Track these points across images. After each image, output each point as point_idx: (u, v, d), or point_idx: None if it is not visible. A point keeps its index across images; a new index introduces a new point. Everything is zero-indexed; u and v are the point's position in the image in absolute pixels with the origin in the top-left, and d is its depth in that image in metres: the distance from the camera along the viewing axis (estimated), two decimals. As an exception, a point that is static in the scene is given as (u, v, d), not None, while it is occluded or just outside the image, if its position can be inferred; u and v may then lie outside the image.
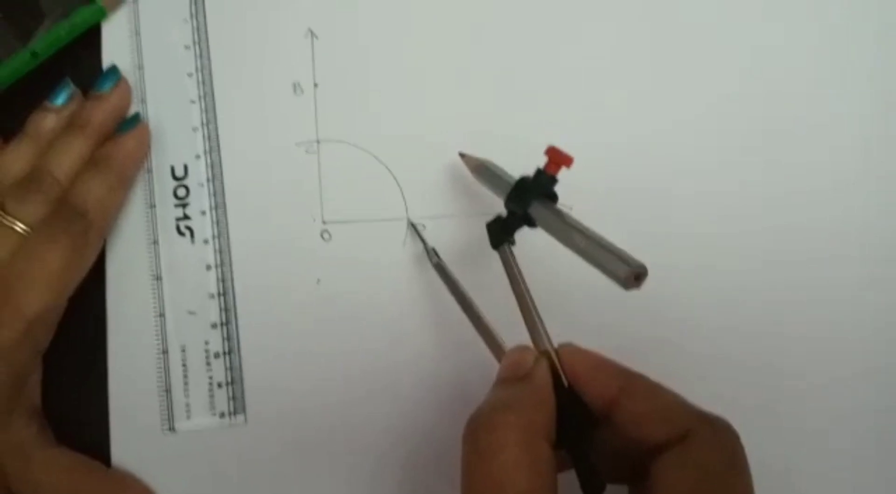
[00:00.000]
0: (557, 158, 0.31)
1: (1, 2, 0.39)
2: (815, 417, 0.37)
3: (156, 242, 0.38)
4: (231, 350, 0.37)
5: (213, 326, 0.37)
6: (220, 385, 0.37)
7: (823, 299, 0.38)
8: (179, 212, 0.38)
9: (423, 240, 0.37)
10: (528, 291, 0.31)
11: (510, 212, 0.32)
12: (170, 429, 0.36)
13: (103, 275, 0.37)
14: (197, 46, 0.39)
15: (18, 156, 0.36)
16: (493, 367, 0.31)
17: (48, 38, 0.38)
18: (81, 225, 0.34)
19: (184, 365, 0.37)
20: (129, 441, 0.36)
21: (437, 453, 0.36)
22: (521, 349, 0.30)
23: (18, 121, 0.37)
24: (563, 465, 0.27)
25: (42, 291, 0.33)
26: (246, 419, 0.36)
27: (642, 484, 0.26)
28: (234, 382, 0.37)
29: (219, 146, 0.39)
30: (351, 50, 0.39)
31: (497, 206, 0.33)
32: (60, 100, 0.37)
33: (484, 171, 0.35)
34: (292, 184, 0.38)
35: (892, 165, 0.39)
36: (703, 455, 0.26)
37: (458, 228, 0.38)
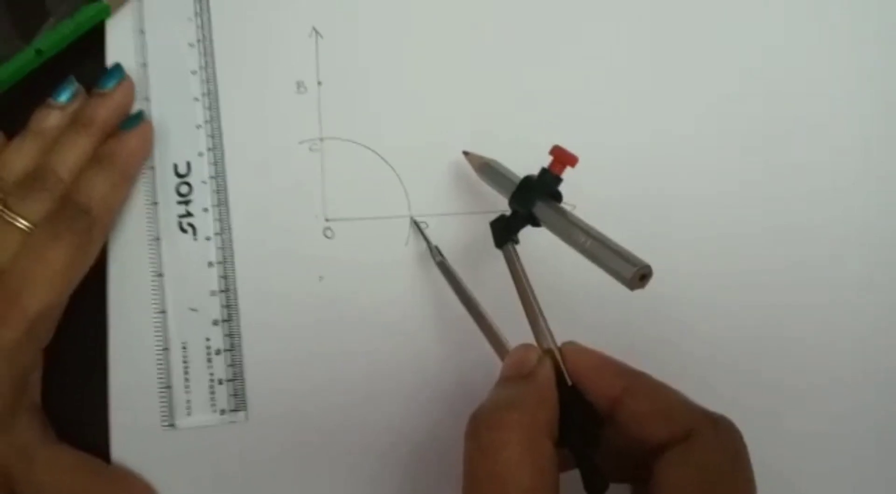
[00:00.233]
0: (562, 158, 0.31)
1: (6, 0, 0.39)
2: (816, 418, 0.38)
3: (158, 239, 0.38)
4: (232, 347, 0.37)
5: (215, 323, 0.37)
6: (221, 382, 0.36)
7: (824, 301, 0.38)
8: (182, 209, 0.38)
9: (425, 238, 0.37)
10: (531, 290, 0.31)
11: (514, 211, 0.32)
12: (170, 426, 0.36)
13: (105, 272, 0.37)
14: (201, 44, 0.39)
15: (22, 153, 0.36)
16: (495, 365, 0.31)
17: (52, 35, 0.38)
18: (85, 222, 0.34)
19: (185, 362, 0.37)
20: (129, 438, 0.36)
21: (439, 451, 0.36)
22: (525, 347, 0.30)
23: (22, 118, 0.37)
24: (566, 464, 0.27)
25: (45, 289, 0.33)
26: (247, 417, 0.36)
27: (645, 483, 0.26)
28: (236, 379, 0.37)
29: (222, 144, 0.39)
30: (355, 48, 0.40)
31: (500, 204, 0.33)
32: (64, 97, 0.37)
33: (488, 169, 0.35)
34: (295, 181, 0.38)
35: (892, 166, 0.40)
36: (706, 454, 0.26)
37: (462, 226, 0.38)
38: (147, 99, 0.39)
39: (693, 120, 0.40)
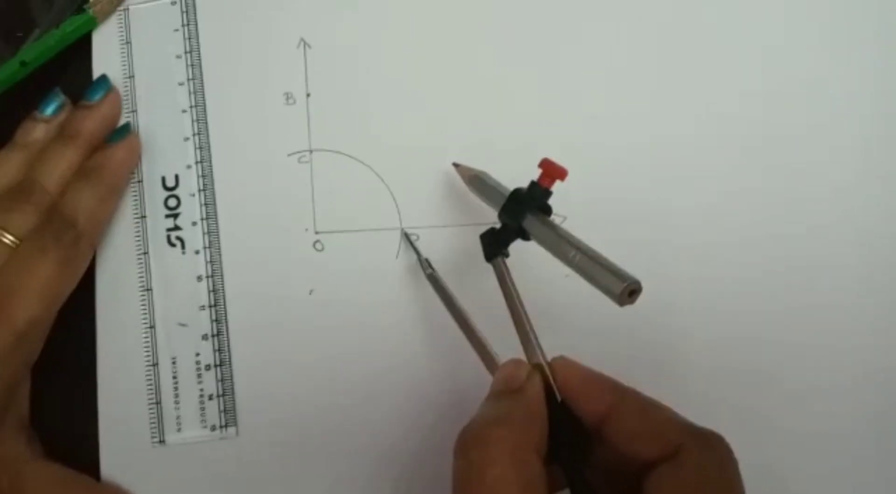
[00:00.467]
0: (552, 171, 0.31)
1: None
2: (816, 422, 0.37)
3: (146, 253, 0.37)
4: (222, 362, 0.36)
5: (204, 337, 0.37)
6: (211, 398, 0.36)
7: (824, 305, 0.38)
8: (170, 223, 0.38)
9: (416, 250, 0.37)
10: (521, 304, 0.31)
11: (504, 224, 0.32)
12: (160, 442, 0.36)
13: (93, 286, 0.37)
14: (188, 56, 0.39)
15: (8, 166, 0.36)
16: (486, 377, 0.31)
17: (38, 47, 0.38)
18: (71, 236, 0.34)
19: (174, 377, 0.36)
20: (118, 454, 0.36)
21: (430, 465, 0.36)
22: (515, 362, 0.30)
23: (8, 131, 0.37)
24: (557, 482, 0.27)
25: (32, 303, 0.33)
26: (237, 432, 0.36)
27: (635, 500, 0.26)
28: (226, 394, 0.36)
29: (210, 156, 0.38)
30: (344, 59, 0.39)
31: (492, 216, 0.33)
32: (50, 110, 0.37)
33: (478, 182, 0.35)
34: (285, 194, 0.38)
35: (892, 168, 0.39)
36: (695, 470, 0.26)
37: (452, 238, 0.38)
38: (134, 111, 0.39)
39: (690, 127, 0.39)
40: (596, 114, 0.39)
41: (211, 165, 0.38)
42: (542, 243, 0.30)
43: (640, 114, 0.39)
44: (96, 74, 0.39)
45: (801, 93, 0.40)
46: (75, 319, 0.36)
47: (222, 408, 0.36)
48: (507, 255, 0.32)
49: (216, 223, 0.38)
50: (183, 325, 0.37)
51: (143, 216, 0.38)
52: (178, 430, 0.36)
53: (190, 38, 0.39)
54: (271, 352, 0.37)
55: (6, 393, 0.33)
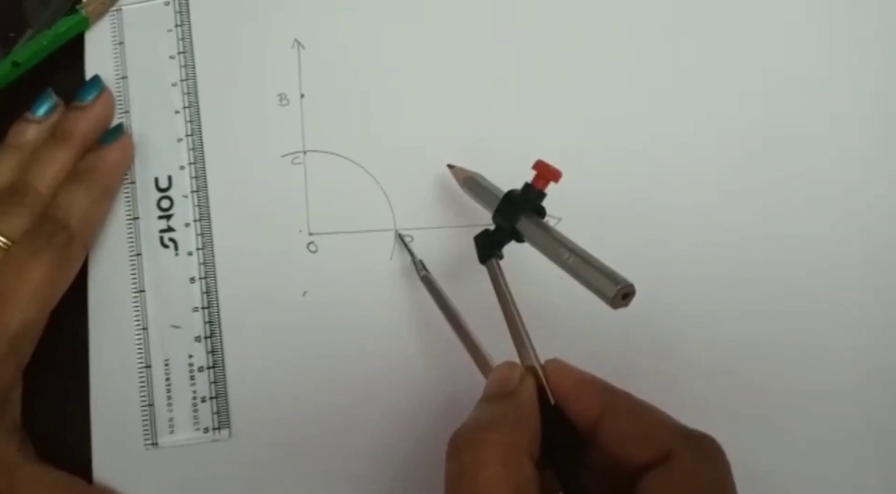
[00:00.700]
0: (545, 173, 0.31)
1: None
2: (816, 425, 0.37)
3: (139, 254, 0.37)
4: (215, 364, 0.36)
5: (198, 339, 0.37)
6: (204, 400, 0.36)
7: (824, 307, 0.38)
8: (163, 224, 0.38)
9: (410, 252, 0.37)
10: (515, 306, 0.31)
11: (498, 226, 0.32)
12: (153, 444, 0.36)
13: (86, 287, 0.37)
14: (182, 56, 0.39)
15: (0, 167, 0.36)
16: (480, 379, 0.31)
17: (30, 47, 0.38)
18: (64, 238, 0.34)
19: (167, 379, 0.36)
20: (111, 456, 0.36)
21: (424, 466, 0.36)
22: (508, 365, 0.30)
23: (0, 132, 0.37)
24: (550, 486, 0.27)
25: (25, 305, 0.33)
26: (230, 434, 0.36)
27: (628, 504, 0.26)
28: (219, 396, 0.36)
29: (203, 157, 0.38)
30: (337, 60, 0.39)
31: (486, 218, 0.33)
32: (42, 111, 0.37)
33: (472, 184, 0.35)
34: (278, 195, 0.38)
35: (893, 171, 0.39)
36: (687, 473, 0.26)
37: (446, 239, 0.38)
38: (127, 112, 0.39)
39: (689, 125, 0.39)
40: (591, 115, 0.39)
41: (204, 167, 0.38)
42: (535, 245, 0.30)
43: (638, 115, 0.39)
44: (89, 74, 0.39)
45: (801, 93, 0.40)
46: (68, 320, 0.36)
47: (215, 410, 0.36)
48: (501, 257, 0.32)
49: (209, 225, 0.38)
50: (176, 327, 0.37)
51: (136, 218, 0.38)
52: (171, 432, 0.36)
53: (183, 39, 0.39)
54: (264, 354, 0.37)
55: (0, 396, 0.33)
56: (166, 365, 0.36)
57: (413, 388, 0.37)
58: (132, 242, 0.37)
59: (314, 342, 0.37)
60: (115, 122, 0.38)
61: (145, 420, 0.36)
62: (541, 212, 0.32)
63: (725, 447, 0.26)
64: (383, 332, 0.37)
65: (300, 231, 0.38)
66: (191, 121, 0.38)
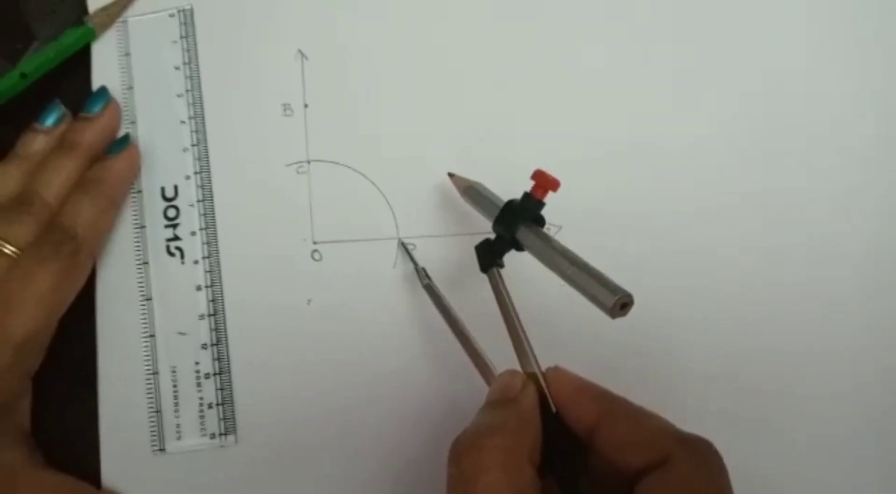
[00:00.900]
0: (544, 183, 0.31)
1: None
2: (816, 429, 0.37)
3: (146, 263, 0.38)
4: (221, 371, 0.37)
5: (204, 346, 0.37)
6: (210, 406, 0.37)
7: (824, 312, 0.38)
8: (169, 233, 0.38)
9: (413, 260, 0.37)
10: (516, 314, 0.31)
11: (498, 235, 0.33)
12: (160, 450, 0.36)
13: (93, 296, 0.37)
14: (187, 67, 0.39)
15: (8, 177, 0.36)
16: (483, 387, 0.32)
17: (37, 59, 0.38)
18: (71, 247, 0.34)
19: (174, 386, 0.37)
20: (119, 462, 0.36)
21: (428, 473, 0.36)
22: (511, 373, 0.30)
23: (8, 142, 0.37)
24: (552, 493, 0.27)
25: (32, 314, 0.33)
26: (237, 440, 0.36)
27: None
28: (225, 403, 0.37)
29: (209, 167, 0.39)
30: (340, 71, 0.40)
31: (488, 226, 0.33)
32: (50, 121, 0.37)
33: (473, 193, 0.35)
34: (283, 204, 0.38)
35: (893, 176, 0.39)
36: (683, 478, 0.26)
37: (449, 247, 0.38)
38: (133, 122, 0.39)
39: (689, 132, 0.39)
40: (592, 123, 0.39)
41: (210, 176, 0.39)
42: (535, 254, 0.31)
43: (638, 122, 0.40)
44: (96, 85, 0.39)
45: (800, 97, 0.40)
46: (76, 328, 0.37)
47: (222, 416, 0.37)
48: (501, 265, 0.32)
49: (215, 233, 0.38)
50: (182, 334, 0.37)
51: (143, 226, 0.38)
52: (178, 438, 0.36)
53: (188, 50, 0.39)
54: (270, 361, 0.37)
55: (7, 404, 0.34)
56: (173, 372, 0.37)
57: (416, 394, 0.37)
58: (139, 250, 0.38)
59: (318, 348, 0.37)
60: (121, 132, 0.39)
61: (153, 427, 0.36)
62: (540, 221, 0.32)
63: (725, 450, 0.27)
64: (386, 338, 0.37)
65: (304, 240, 0.38)
66: (196, 131, 0.39)
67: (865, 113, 0.40)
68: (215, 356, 0.37)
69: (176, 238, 0.38)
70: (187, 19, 0.40)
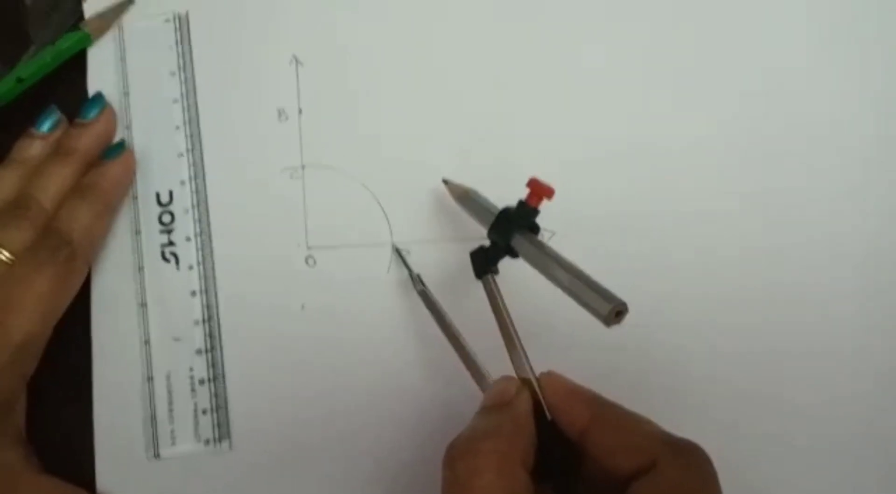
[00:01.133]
0: (539, 191, 0.31)
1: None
2: (815, 432, 0.37)
3: (141, 268, 0.38)
4: (216, 377, 0.37)
5: (199, 352, 0.37)
6: (205, 412, 0.37)
7: (824, 315, 0.38)
8: (164, 238, 0.38)
9: (407, 266, 0.37)
10: (511, 321, 0.31)
11: (493, 242, 0.33)
12: (155, 456, 0.36)
13: (88, 301, 0.37)
14: (182, 73, 0.39)
15: (4, 182, 0.36)
16: (477, 392, 0.32)
17: (33, 64, 0.38)
18: (67, 252, 0.34)
19: (169, 392, 0.37)
20: (113, 467, 0.36)
21: (422, 478, 0.36)
22: (506, 379, 0.30)
23: (4, 147, 0.37)
24: (546, 497, 0.28)
25: (27, 319, 0.33)
26: (231, 446, 0.37)
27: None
28: (219, 408, 0.37)
29: (204, 172, 0.39)
30: (335, 76, 0.40)
31: (481, 231, 0.33)
32: (46, 126, 0.37)
33: (467, 199, 0.35)
34: (277, 209, 0.39)
35: (893, 180, 0.39)
36: (671, 482, 0.26)
37: (444, 253, 0.38)
38: (129, 127, 0.39)
39: (686, 136, 0.39)
40: (588, 129, 0.40)
41: (205, 182, 0.39)
42: (530, 261, 0.31)
43: (634, 126, 0.40)
44: (91, 90, 0.39)
45: (799, 98, 0.40)
46: (71, 333, 0.37)
47: (216, 422, 0.37)
48: (496, 272, 0.33)
49: (210, 239, 0.38)
50: (177, 340, 0.37)
51: (138, 232, 0.38)
52: (173, 444, 0.36)
53: (184, 56, 0.40)
54: (264, 366, 0.37)
55: (2, 408, 0.34)
56: (168, 378, 0.37)
57: (410, 399, 0.37)
58: (134, 256, 0.38)
59: (313, 354, 0.37)
60: (117, 137, 0.39)
61: (147, 432, 0.36)
62: (535, 229, 0.32)
63: (723, 454, 0.27)
64: (380, 344, 0.37)
65: (298, 245, 0.38)
66: (191, 136, 0.39)
67: (866, 113, 0.40)
68: (210, 361, 0.37)
69: (171, 244, 0.38)
70: (183, 25, 0.40)
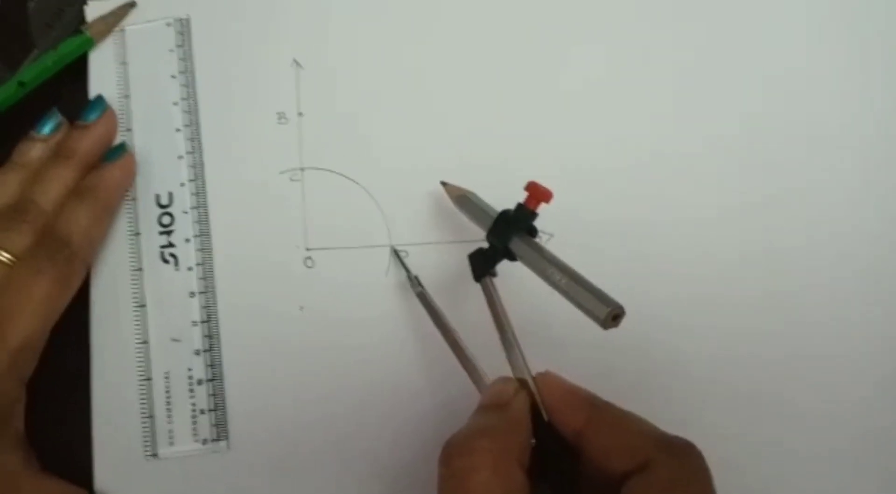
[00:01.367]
0: (537, 194, 0.32)
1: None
2: (815, 434, 0.37)
3: (140, 269, 0.38)
4: (214, 377, 0.37)
5: (197, 353, 0.37)
6: (203, 412, 0.37)
7: (823, 320, 0.38)
8: (164, 240, 0.38)
9: (405, 268, 0.38)
10: (509, 323, 0.31)
11: (491, 245, 0.33)
12: (153, 456, 0.37)
13: (88, 302, 0.38)
14: (183, 76, 0.40)
15: (5, 185, 0.36)
16: (475, 394, 0.32)
17: (35, 68, 0.39)
18: (66, 255, 0.35)
19: (167, 392, 0.37)
20: (112, 467, 0.36)
21: (420, 479, 0.36)
22: (504, 380, 0.31)
23: (5, 150, 0.37)
24: (541, 495, 0.28)
25: (27, 321, 0.34)
26: (229, 446, 0.37)
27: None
28: (217, 408, 0.37)
29: (204, 174, 0.39)
30: (334, 80, 0.40)
31: (481, 233, 0.34)
32: (47, 129, 0.38)
33: (465, 202, 0.36)
34: (276, 211, 0.39)
35: (892, 185, 0.40)
36: (664, 480, 0.26)
37: (442, 255, 0.39)
38: (129, 130, 0.39)
39: (685, 140, 0.40)
40: (586, 132, 0.40)
41: (204, 183, 0.39)
42: (528, 264, 0.31)
43: (632, 130, 0.40)
44: (92, 94, 0.39)
45: (798, 105, 0.40)
46: (70, 334, 0.37)
47: (214, 422, 0.37)
48: (494, 275, 0.33)
49: (209, 240, 0.38)
50: (176, 340, 0.37)
51: (138, 233, 0.38)
52: (171, 444, 0.37)
53: (184, 59, 0.40)
54: (262, 367, 0.37)
55: (1, 411, 0.34)
56: (166, 378, 0.37)
57: (408, 400, 0.37)
58: (134, 257, 0.38)
59: (311, 355, 0.38)
60: (117, 140, 0.39)
61: (146, 432, 0.37)
62: (533, 232, 0.32)
63: (723, 459, 0.27)
64: (379, 345, 0.38)
65: (297, 247, 0.39)
66: (192, 139, 0.39)
67: (866, 116, 0.40)
68: (208, 362, 0.37)
69: (170, 245, 0.38)
70: (184, 29, 0.40)
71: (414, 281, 0.37)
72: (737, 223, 0.39)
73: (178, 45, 0.40)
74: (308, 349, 0.38)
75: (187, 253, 0.38)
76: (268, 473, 0.37)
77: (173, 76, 0.40)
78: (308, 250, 0.39)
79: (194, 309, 0.38)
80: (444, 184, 0.38)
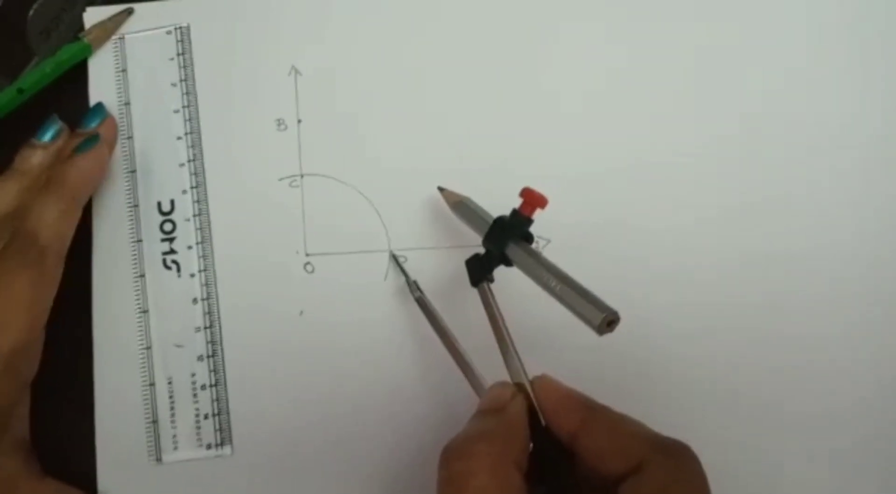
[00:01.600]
0: (532, 200, 0.32)
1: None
2: (815, 445, 0.38)
3: (142, 276, 0.38)
4: (217, 382, 0.38)
5: (200, 358, 0.38)
6: (206, 417, 0.37)
7: (825, 326, 0.38)
8: (166, 246, 0.39)
9: (404, 273, 0.38)
10: (506, 328, 0.32)
11: (488, 251, 0.33)
12: (157, 460, 0.37)
13: (90, 308, 0.38)
14: (183, 83, 0.40)
15: (5, 193, 0.36)
16: (474, 398, 0.32)
17: (34, 74, 0.39)
18: (35, 253, 0.34)
19: (170, 397, 0.37)
20: (115, 472, 0.37)
21: (420, 482, 0.37)
22: (502, 384, 0.31)
23: (6, 158, 0.38)
24: (538, 498, 0.28)
25: (12, 326, 0.33)
26: (232, 451, 0.37)
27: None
28: (221, 413, 0.37)
29: (205, 181, 0.39)
30: (333, 86, 0.40)
31: (477, 237, 0.34)
32: (48, 136, 0.38)
33: (462, 208, 0.36)
34: (276, 217, 0.39)
35: (891, 190, 0.40)
36: (658, 482, 0.26)
37: (441, 260, 0.39)
38: (130, 137, 0.40)
39: (682, 145, 0.40)
40: (582, 138, 0.40)
41: (205, 190, 0.39)
42: (523, 270, 0.31)
43: (629, 135, 0.40)
44: (92, 101, 0.40)
45: (800, 109, 0.40)
46: (74, 339, 0.37)
47: (217, 427, 0.37)
48: (491, 280, 0.33)
49: (211, 247, 0.39)
50: (179, 346, 0.38)
51: (140, 240, 0.39)
52: (175, 448, 0.37)
53: (185, 67, 0.40)
54: (264, 372, 0.38)
55: (1, 415, 0.34)
56: (169, 383, 0.37)
57: (408, 404, 0.38)
58: (136, 263, 0.39)
59: (312, 359, 0.38)
60: (118, 147, 0.39)
61: (149, 437, 0.37)
62: (528, 238, 0.33)
63: (720, 463, 0.27)
64: (378, 349, 0.38)
65: (297, 252, 0.39)
66: (192, 146, 0.40)
67: (866, 118, 0.40)
68: (211, 367, 0.38)
69: (172, 252, 0.39)
70: (184, 36, 0.40)
71: (413, 286, 0.37)
72: (736, 226, 0.39)
73: (179, 54, 0.40)
74: (308, 353, 0.38)
75: (189, 260, 0.39)
76: (271, 477, 0.37)
77: (174, 84, 0.40)
78: (308, 255, 0.39)
79: (197, 315, 0.38)
80: (441, 189, 0.38)
